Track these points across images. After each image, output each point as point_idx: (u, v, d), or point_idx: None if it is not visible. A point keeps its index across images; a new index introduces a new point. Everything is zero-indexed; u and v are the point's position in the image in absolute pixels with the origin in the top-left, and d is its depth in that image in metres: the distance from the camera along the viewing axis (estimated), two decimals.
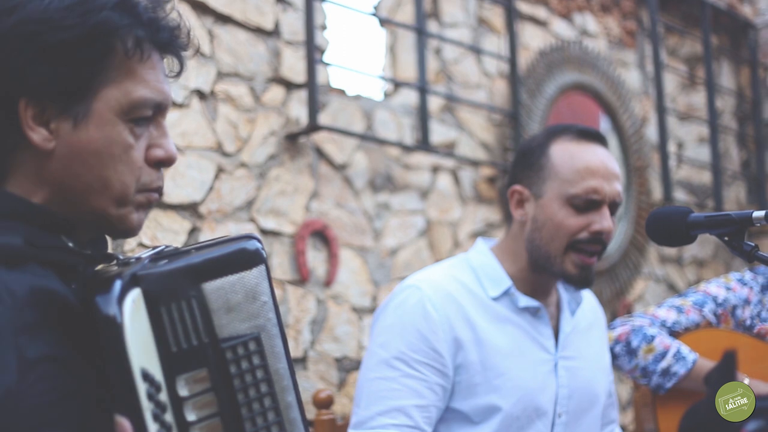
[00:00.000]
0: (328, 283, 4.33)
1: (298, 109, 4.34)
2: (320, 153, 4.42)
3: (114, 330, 1.52)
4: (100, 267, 1.68)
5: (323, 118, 4.40)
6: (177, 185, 3.81)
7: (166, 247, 1.73)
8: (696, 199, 6.99)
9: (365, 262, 4.54)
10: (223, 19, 4.11)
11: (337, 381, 4.29)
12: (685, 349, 3.50)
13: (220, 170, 4.00)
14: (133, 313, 1.55)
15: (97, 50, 1.64)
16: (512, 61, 5.44)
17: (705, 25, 7.00)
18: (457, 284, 2.87)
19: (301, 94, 4.36)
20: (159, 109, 1.72)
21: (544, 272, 2.89)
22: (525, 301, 2.88)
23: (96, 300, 1.54)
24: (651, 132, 6.66)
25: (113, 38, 1.64)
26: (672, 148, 6.83)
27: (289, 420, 1.73)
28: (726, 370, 1.51)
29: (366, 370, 2.80)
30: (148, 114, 1.70)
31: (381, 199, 4.68)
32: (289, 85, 4.34)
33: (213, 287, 1.66)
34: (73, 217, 1.70)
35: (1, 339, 1.50)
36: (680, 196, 6.80)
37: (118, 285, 1.55)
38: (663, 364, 3.49)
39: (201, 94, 3.98)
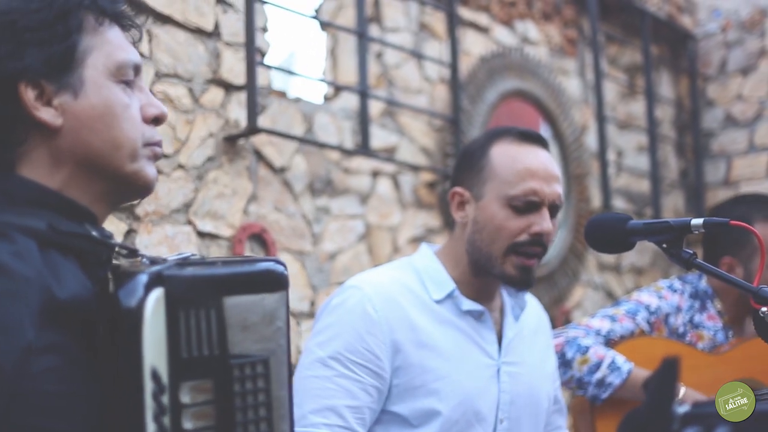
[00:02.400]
0: None
1: (237, 111, 4.30)
2: (259, 156, 4.39)
3: (133, 323, 1.56)
4: (124, 262, 1.73)
5: (263, 121, 4.37)
6: None
7: (192, 255, 1.75)
8: (635, 207, 7.03)
9: (303, 266, 4.51)
10: (163, 19, 4.06)
11: None
12: (620, 359, 3.51)
13: (157, 171, 3.95)
14: (153, 311, 1.58)
15: (72, 23, 1.75)
16: (453, 66, 5.44)
17: (645, 35, 7.06)
18: (399, 286, 2.86)
19: (241, 96, 4.32)
20: (137, 70, 1.83)
21: (485, 274, 2.89)
22: (468, 304, 2.87)
23: (119, 292, 1.58)
24: (591, 140, 6.69)
25: (82, 11, 1.77)
26: (611, 156, 6.86)
27: None
28: (666, 376, 1.50)
29: (302, 369, 2.79)
30: (131, 76, 1.81)
31: (320, 203, 4.65)
32: (229, 87, 4.30)
33: (233, 303, 1.68)
34: (93, 197, 1.77)
35: (26, 300, 1.54)
36: (619, 204, 6.84)
37: (143, 280, 1.59)
38: (598, 375, 3.50)
39: None
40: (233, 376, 1.66)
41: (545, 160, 2.90)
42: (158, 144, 1.84)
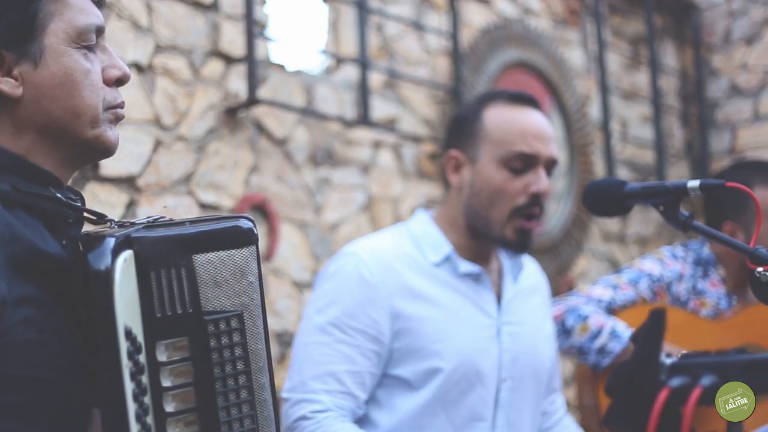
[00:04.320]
0: (268, 257, 4.31)
1: (237, 83, 4.31)
2: (260, 127, 4.40)
3: (103, 284, 1.57)
4: (93, 229, 1.74)
5: (263, 93, 4.38)
6: (114, 158, 3.72)
7: (162, 217, 1.78)
8: (639, 178, 7.02)
9: (305, 236, 4.52)
10: None
11: (277, 355, 4.28)
12: (620, 327, 3.52)
13: (158, 143, 3.97)
14: (123, 271, 1.59)
15: None
16: (454, 38, 5.44)
17: (648, 4, 7.04)
18: (396, 251, 2.88)
19: (241, 69, 4.33)
20: (99, 32, 1.82)
21: (483, 238, 2.90)
22: (466, 266, 2.89)
23: (88, 256, 1.59)
24: (594, 111, 6.68)
25: None
26: (616, 127, 6.85)
27: (260, 401, 1.76)
28: (653, 327, 1.51)
29: (301, 336, 2.81)
30: (93, 40, 1.79)
31: (322, 174, 4.66)
32: (229, 59, 4.31)
33: (203, 260, 1.70)
34: (56, 162, 1.78)
35: None
36: (624, 174, 6.83)
37: (111, 243, 1.60)
38: (599, 343, 3.50)
39: (139, 67, 3.94)
40: (208, 333, 1.69)
41: (538, 121, 2.92)
42: (120, 106, 1.85)
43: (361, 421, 2.78)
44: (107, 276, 1.57)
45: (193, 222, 1.75)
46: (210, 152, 4.15)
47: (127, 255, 1.60)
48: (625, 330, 3.50)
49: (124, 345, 1.56)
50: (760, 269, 2.10)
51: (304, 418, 2.65)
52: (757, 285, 2.11)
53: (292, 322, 4.40)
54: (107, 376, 1.57)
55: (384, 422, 2.80)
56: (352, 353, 2.73)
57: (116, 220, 1.77)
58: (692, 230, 2.27)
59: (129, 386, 1.57)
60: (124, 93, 3.65)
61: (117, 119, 1.84)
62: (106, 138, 1.80)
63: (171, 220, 1.77)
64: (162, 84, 4.02)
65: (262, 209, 4.32)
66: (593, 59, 6.79)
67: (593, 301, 3.66)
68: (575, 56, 6.70)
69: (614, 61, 7.02)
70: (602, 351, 3.50)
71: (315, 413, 2.65)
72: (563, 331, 3.55)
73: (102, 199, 3.71)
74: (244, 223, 1.76)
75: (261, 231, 4.29)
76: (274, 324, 4.32)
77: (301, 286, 4.47)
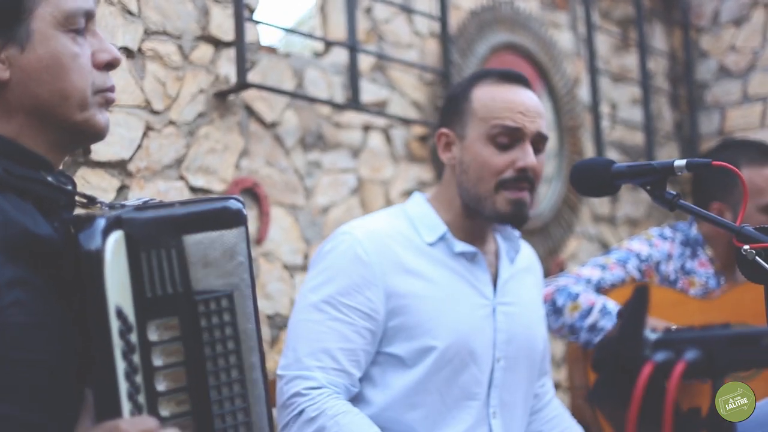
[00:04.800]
0: (259, 240, 4.32)
1: (227, 67, 4.31)
2: (250, 111, 4.40)
3: (94, 265, 1.59)
4: (84, 211, 1.75)
5: (253, 77, 4.38)
6: (105, 143, 3.76)
7: (152, 199, 1.80)
8: (629, 160, 7.03)
9: (296, 220, 4.53)
10: None
11: (269, 338, 4.29)
12: (610, 304, 3.54)
13: (148, 128, 3.97)
14: (114, 252, 1.61)
15: None
16: (443, 20, 5.43)
17: None
18: (391, 230, 2.90)
19: (230, 53, 4.33)
20: (89, 17, 1.82)
21: (477, 216, 2.92)
22: (461, 246, 2.91)
23: (79, 236, 1.61)
24: (583, 93, 6.68)
25: None
26: (605, 109, 6.86)
27: (251, 380, 1.79)
28: (637, 303, 1.53)
29: (296, 314, 2.83)
30: (82, 24, 1.80)
31: (312, 158, 4.67)
32: (218, 44, 4.31)
33: (193, 240, 1.72)
34: (47, 146, 1.79)
35: None
36: (613, 156, 6.83)
37: (101, 224, 1.62)
38: (589, 320, 3.53)
39: (128, 52, 3.94)
40: (199, 312, 1.71)
41: (525, 97, 2.93)
42: (110, 90, 1.86)
43: (355, 398, 2.80)
44: (98, 256, 1.58)
45: (183, 203, 1.76)
46: (200, 136, 4.16)
47: (117, 235, 1.61)
48: (615, 307, 3.52)
49: (115, 324, 1.58)
50: (746, 247, 2.12)
51: (298, 394, 2.67)
52: (743, 262, 2.14)
53: (284, 304, 4.41)
54: (99, 356, 1.58)
55: (377, 400, 2.82)
56: (346, 331, 2.75)
57: (107, 202, 1.78)
58: (679, 209, 2.30)
59: (121, 365, 1.58)
60: (116, 77, 3.63)
61: (107, 103, 1.85)
62: (96, 121, 1.82)
63: (161, 202, 1.78)
64: (152, 69, 4.02)
65: (252, 193, 4.33)
66: (582, 41, 6.79)
67: (582, 280, 3.68)
68: (564, 38, 6.71)
69: (603, 43, 7.03)
70: (593, 329, 3.52)
71: (309, 390, 2.67)
72: (554, 310, 3.57)
73: (93, 184, 3.72)
74: (233, 204, 1.78)
75: (251, 215, 4.30)
76: (265, 307, 4.33)
77: (292, 269, 4.48)
